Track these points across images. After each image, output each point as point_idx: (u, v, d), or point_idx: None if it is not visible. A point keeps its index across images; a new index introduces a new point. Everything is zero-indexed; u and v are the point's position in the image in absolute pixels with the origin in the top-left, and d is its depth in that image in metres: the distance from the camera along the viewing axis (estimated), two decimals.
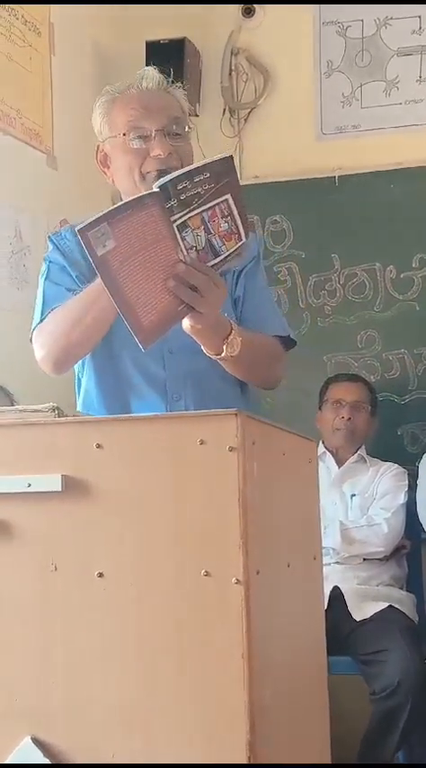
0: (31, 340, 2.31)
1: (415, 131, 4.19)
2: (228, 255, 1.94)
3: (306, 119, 4.31)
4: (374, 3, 4.22)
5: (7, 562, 1.61)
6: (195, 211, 1.86)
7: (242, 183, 1.93)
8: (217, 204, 1.89)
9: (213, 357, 2.09)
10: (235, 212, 1.91)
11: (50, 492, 1.58)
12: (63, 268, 2.30)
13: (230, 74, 4.39)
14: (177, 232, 1.85)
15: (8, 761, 1.57)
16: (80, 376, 2.38)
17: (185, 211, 1.85)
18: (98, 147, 2.32)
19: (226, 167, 1.88)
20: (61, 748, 1.57)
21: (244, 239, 1.95)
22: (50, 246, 2.35)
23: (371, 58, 4.26)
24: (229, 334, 2.05)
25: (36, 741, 1.57)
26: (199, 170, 1.85)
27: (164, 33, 4.27)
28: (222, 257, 1.93)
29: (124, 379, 2.28)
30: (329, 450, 3.86)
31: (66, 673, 1.57)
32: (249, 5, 4.35)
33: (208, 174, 1.86)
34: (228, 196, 1.89)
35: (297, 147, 4.28)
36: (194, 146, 2.30)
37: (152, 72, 2.29)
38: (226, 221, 1.91)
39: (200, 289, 1.90)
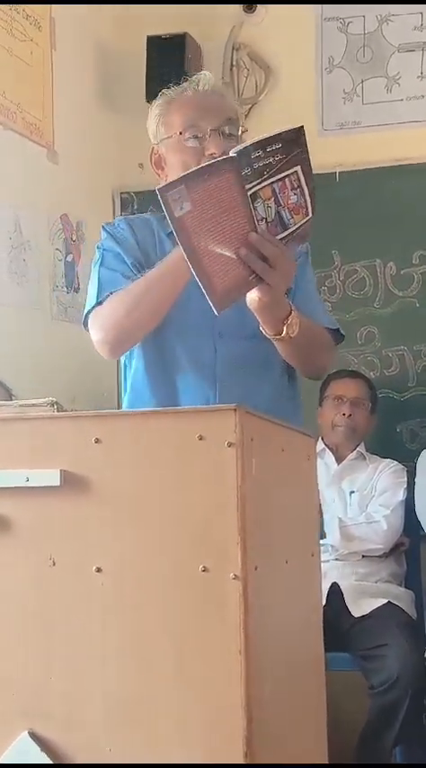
0: (85, 324, 2.32)
1: (416, 128, 4.18)
2: (296, 229, 1.94)
3: (307, 115, 4.29)
4: (375, 2, 4.21)
5: (5, 557, 1.60)
6: (267, 182, 1.86)
7: None
8: (288, 176, 1.88)
9: (271, 337, 2.12)
10: (304, 185, 1.91)
11: (49, 487, 1.58)
12: (118, 255, 2.32)
13: (231, 69, 4.38)
14: (250, 201, 1.85)
15: (6, 755, 1.58)
16: (127, 363, 2.40)
17: (258, 181, 1.85)
18: (152, 149, 2.36)
19: (297, 138, 1.88)
20: (58, 743, 1.57)
21: (310, 214, 1.94)
22: (104, 235, 2.39)
23: (372, 54, 4.26)
24: (289, 315, 2.07)
25: (33, 736, 1.58)
26: (271, 139, 1.85)
27: (165, 28, 4.26)
28: (290, 230, 1.93)
29: (172, 365, 2.31)
30: (328, 447, 3.86)
31: (63, 667, 1.57)
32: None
33: (280, 145, 1.86)
34: (298, 168, 1.89)
35: None
36: None
37: (208, 75, 2.35)
38: (295, 194, 1.90)
39: (271, 260, 1.91)
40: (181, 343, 2.29)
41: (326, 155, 4.22)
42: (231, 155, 1.83)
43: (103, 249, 2.36)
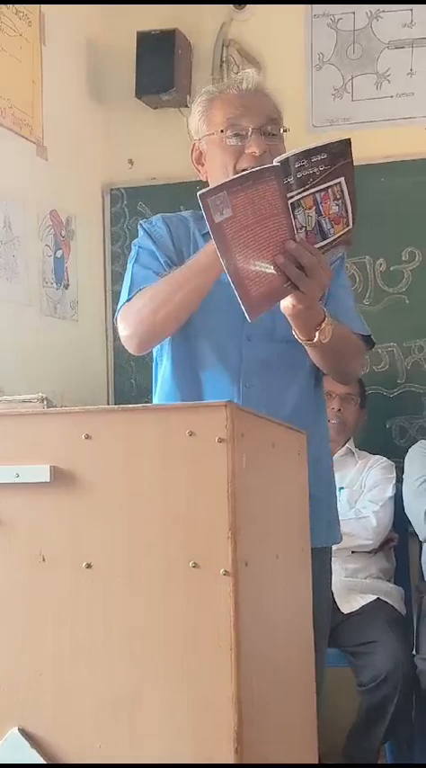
0: (115, 320, 2.34)
1: (406, 125, 4.18)
2: (335, 239, 1.95)
3: (296, 111, 4.28)
4: (365, 3, 4.21)
5: None
6: (310, 191, 1.87)
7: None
8: (331, 186, 1.90)
9: (304, 342, 2.13)
10: (347, 196, 1.92)
11: (39, 483, 1.58)
12: (152, 253, 2.34)
13: (221, 65, 4.37)
14: (290, 210, 1.85)
15: None
16: (159, 361, 2.42)
17: (301, 190, 1.86)
18: (193, 145, 2.37)
19: (343, 150, 1.90)
20: (48, 740, 1.57)
21: (351, 225, 1.95)
22: (141, 233, 2.40)
23: (362, 50, 4.26)
24: (322, 321, 2.09)
25: (23, 732, 1.57)
26: (317, 150, 1.86)
27: (155, 24, 4.26)
28: (329, 240, 1.95)
29: (200, 364, 2.32)
30: None
31: (53, 664, 1.57)
32: None
33: (325, 156, 1.87)
34: (342, 179, 1.91)
35: (287, 139, 4.25)
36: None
37: (252, 74, 2.36)
38: (337, 204, 1.92)
39: (307, 269, 1.93)
40: (210, 344, 2.31)
41: None
42: (275, 163, 1.84)
43: (139, 246, 2.38)
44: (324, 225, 1.92)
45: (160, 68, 4.17)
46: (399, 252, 4.15)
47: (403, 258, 4.14)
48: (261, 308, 1.92)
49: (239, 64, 4.38)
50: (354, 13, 4.26)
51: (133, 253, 2.38)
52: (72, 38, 4.23)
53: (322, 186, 1.88)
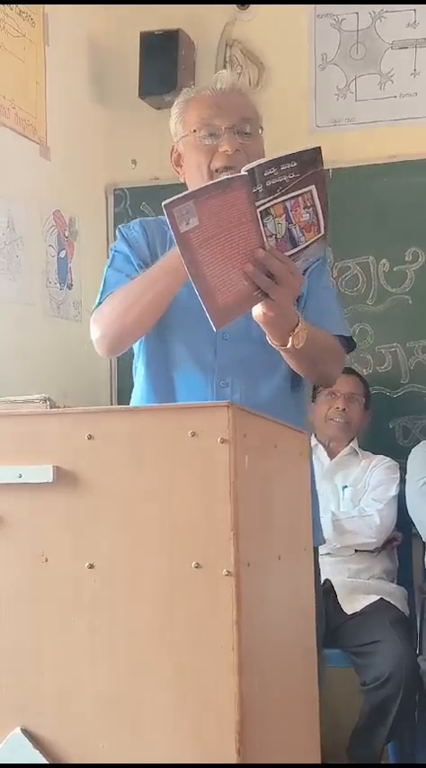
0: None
1: (409, 125, 4.18)
2: (306, 246, 1.95)
3: (300, 111, 4.30)
4: (368, 3, 4.21)
5: None
6: (279, 199, 1.87)
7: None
8: (301, 194, 1.89)
9: (278, 348, 2.12)
10: (318, 204, 1.91)
11: (41, 483, 1.58)
12: (126, 257, 2.35)
13: (224, 66, 4.37)
14: (259, 218, 1.85)
15: None
16: (136, 362, 2.42)
17: (269, 198, 1.86)
18: (172, 147, 2.39)
19: (313, 158, 1.89)
20: (51, 740, 1.57)
21: (322, 232, 1.95)
22: (118, 237, 2.41)
23: (366, 50, 4.25)
24: (296, 326, 2.07)
25: (26, 732, 1.58)
26: (286, 158, 1.86)
27: (158, 24, 4.25)
28: (300, 247, 1.94)
29: (174, 364, 2.32)
30: (321, 443, 3.87)
31: (56, 664, 1.57)
32: None
33: (295, 164, 1.86)
34: (313, 187, 1.90)
35: (291, 139, 4.22)
36: None
37: (227, 74, 2.37)
38: (307, 212, 1.91)
39: (277, 276, 1.92)
40: (184, 344, 2.31)
41: None
42: (242, 172, 1.83)
43: (115, 251, 2.39)
44: (295, 232, 1.91)
45: (163, 69, 4.17)
46: (402, 252, 4.15)
47: (407, 258, 4.14)
48: (227, 318, 1.91)
49: (242, 64, 4.38)
50: (357, 13, 4.25)
51: (110, 257, 2.39)
52: (75, 38, 4.23)
53: (292, 194, 1.87)
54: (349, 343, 2.42)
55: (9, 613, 1.60)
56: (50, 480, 1.58)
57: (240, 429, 1.54)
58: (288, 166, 1.86)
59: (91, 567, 1.56)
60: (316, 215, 1.92)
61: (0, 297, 3.58)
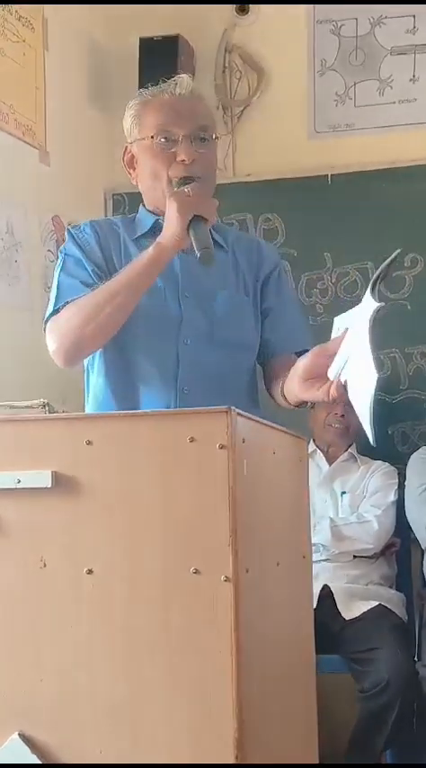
0: (44, 330, 2.30)
1: (408, 130, 4.18)
2: None
3: (299, 117, 4.30)
4: (368, 2, 4.21)
5: None
6: None
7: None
8: None
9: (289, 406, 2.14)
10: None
11: (40, 488, 1.58)
12: (79, 261, 2.30)
13: (224, 71, 4.38)
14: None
15: None
16: (90, 370, 2.37)
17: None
18: (126, 148, 2.36)
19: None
20: (49, 745, 1.57)
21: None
22: (68, 239, 2.35)
23: (365, 56, 4.26)
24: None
25: (24, 737, 1.57)
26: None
27: (157, 30, 4.26)
28: None
29: (135, 371, 2.28)
30: (319, 448, 3.87)
31: (54, 669, 1.57)
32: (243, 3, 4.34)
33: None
34: None
35: (290, 145, 4.28)
36: None
37: (186, 79, 2.32)
38: None
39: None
40: (144, 351, 2.26)
41: (318, 157, 4.24)
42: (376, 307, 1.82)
43: (65, 254, 2.33)
44: None
45: (163, 74, 4.14)
46: (401, 258, 4.15)
47: (406, 264, 4.14)
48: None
49: (242, 70, 4.39)
50: (357, 19, 4.26)
51: (59, 260, 2.33)
52: (75, 44, 4.23)
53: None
54: None
55: (7, 618, 1.60)
56: (49, 486, 1.58)
57: (239, 435, 1.54)
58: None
59: (89, 572, 1.56)
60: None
61: None
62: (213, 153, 2.29)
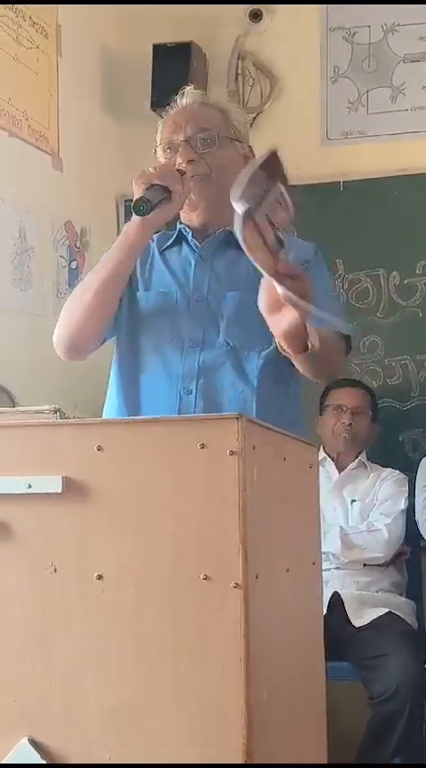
0: None
1: (421, 138, 4.19)
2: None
3: (311, 124, 4.31)
4: (379, 2, 4.21)
5: (6, 563, 1.60)
6: (263, 214, 1.87)
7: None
8: (276, 197, 1.90)
9: (295, 355, 2.06)
10: (288, 199, 1.91)
11: (50, 493, 1.58)
12: None
13: (236, 78, 4.39)
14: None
15: (5, 762, 1.58)
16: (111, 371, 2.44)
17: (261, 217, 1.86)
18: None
19: (273, 162, 1.89)
20: (58, 750, 1.57)
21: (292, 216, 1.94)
22: None
23: (378, 64, 4.27)
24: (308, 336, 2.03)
25: (33, 742, 1.57)
26: (253, 172, 1.85)
27: (170, 36, 4.27)
28: (286, 244, 1.94)
29: (142, 371, 2.33)
30: (329, 456, 3.86)
31: (64, 674, 1.57)
32: (257, 8, 4.34)
33: (262, 172, 1.86)
34: (280, 186, 1.90)
35: (302, 152, 4.28)
36: None
37: (189, 89, 2.39)
38: (282, 209, 1.92)
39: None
40: (154, 351, 2.32)
41: (331, 164, 4.24)
42: (237, 211, 1.83)
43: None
44: (280, 234, 1.92)
45: (175, 81, 4.17)
46: (413, 265, 4.15)
47: (417, 271, 4.14)
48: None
49: (254, 76, 4.40)
50: (370, 26, 4.27)
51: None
52: (88, 50, 4.25)
53: (269, 201, 1.88)
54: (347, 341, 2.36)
55: (17, 623, 1.60)
56: (59, 491, 1.58)
57: (249, 441, 1.54)
58: (258, 178, 1.86)
59: (99, 577, 1.56)
60: (289, 209, 1.93)
61: (11, 307, 3.59)
62: (224, 152, 2.32)
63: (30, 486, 1.59)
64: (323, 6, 4.29)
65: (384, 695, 3.18)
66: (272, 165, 1.88)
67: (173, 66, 4.19)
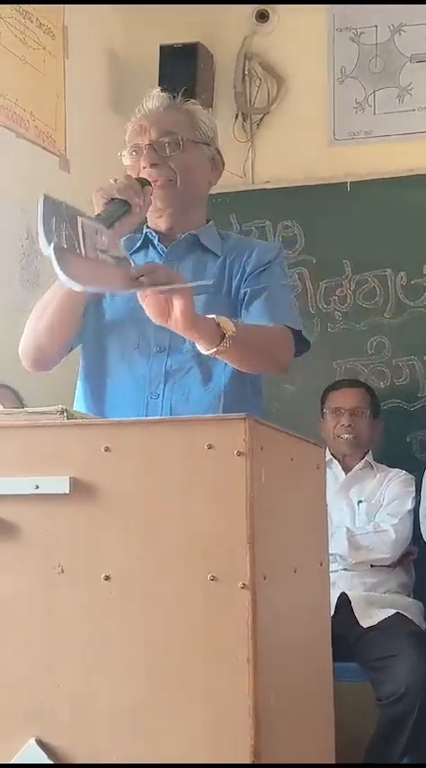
0: None
1: None
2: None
3: (318, 124, 4.31)
4: (386, 3, 4.21)
5: (14, 563, 1.61)
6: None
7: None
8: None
9: (213, 353, 2.03)
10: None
11: (58, 494, 1.58)
12: None
13: (243, 79, 4.39)
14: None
15: (13, 762, 1.58)
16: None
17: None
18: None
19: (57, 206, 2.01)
20: (66, 751, 1.57)
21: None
22: None
23: (384, 64, 4.26)
24: (218, 324, 2.02)
25: (41, 743, 1.58)
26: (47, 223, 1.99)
27: (177, 37, 4.27)
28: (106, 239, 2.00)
29: (108, 376, 2.33)
30: (335, 457, 3.86)
31: (71, 675, 1.57)
32: (264, 8, 4.34)
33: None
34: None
35: (309, 152, 4.28)
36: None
37: (155, 92, 2.39)
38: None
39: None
40: (120, 355, 2.32)
41: (337, 165, 4.24)
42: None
43: None
44: (113, 254, 1.97)
45: (182, 82, 4.17)
46: (420, 265, 4.15)
47: (425, 272, 4.14)
48: None
49: (261, 77, 4.40)
50: (376, 26, 4.27)
51: None
52: (95, 51, 4.25)
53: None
54: (300, 340, 2.32)
55: (25, 624, 1.60)
56: (67, 492, 1.58)
57: (257, 442, 1.54)
58: (52, 223, 2.04)
59: (107, 578, 1.56)
60: (104, 231, 2.00)
61: (18, 308, 3.58)
62: (190, 155, 2.32)
63: (37, 487, 1.59)
64: (330, 7, 4.29)
65: (393, 696, 3.17)
66: (54, 207, 1.97)
67: (180, 67, 4.19)
